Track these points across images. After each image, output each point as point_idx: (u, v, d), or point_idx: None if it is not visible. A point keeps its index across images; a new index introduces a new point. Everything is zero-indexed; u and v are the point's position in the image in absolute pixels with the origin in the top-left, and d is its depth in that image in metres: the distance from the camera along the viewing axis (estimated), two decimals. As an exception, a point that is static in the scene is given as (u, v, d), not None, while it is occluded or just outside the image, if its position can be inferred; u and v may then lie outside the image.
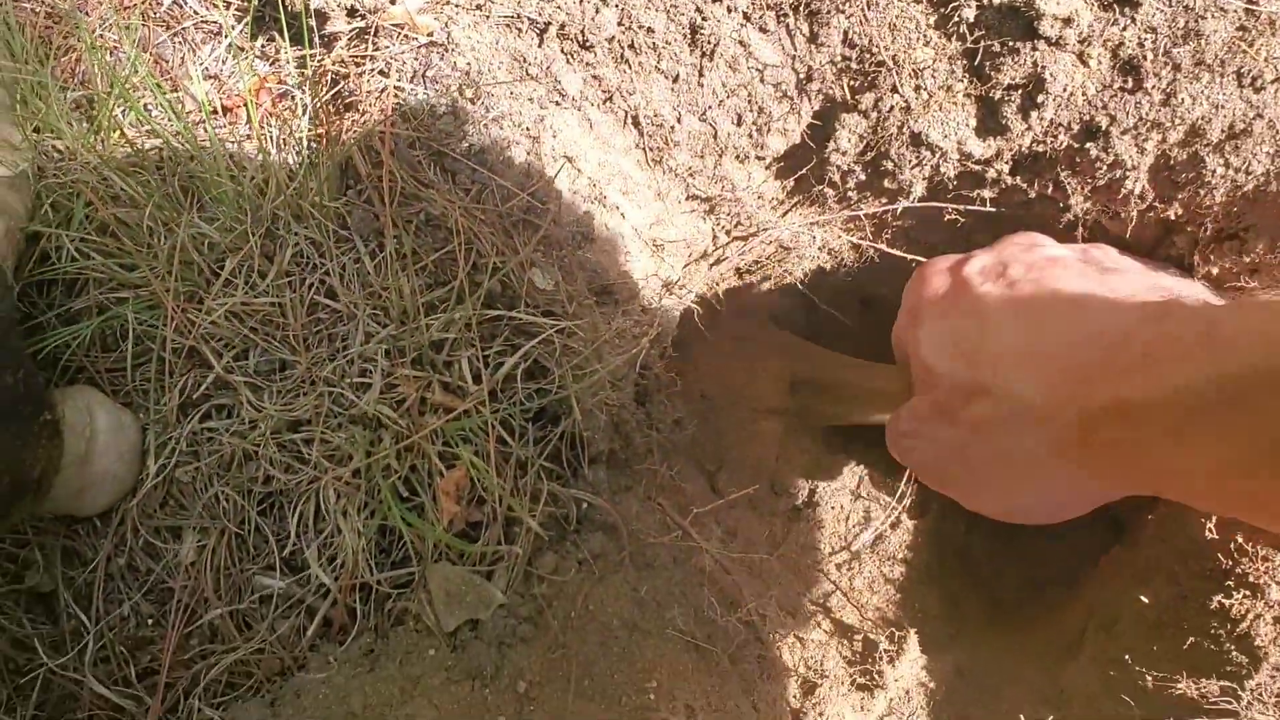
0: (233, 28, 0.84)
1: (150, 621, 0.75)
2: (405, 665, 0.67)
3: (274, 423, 0.73)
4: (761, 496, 1.07)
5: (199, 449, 0.75)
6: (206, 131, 0.79)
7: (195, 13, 0.86)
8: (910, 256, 0.93)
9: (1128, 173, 0.85)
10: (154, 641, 0.74)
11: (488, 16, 0.77)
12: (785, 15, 0.84)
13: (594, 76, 0.82)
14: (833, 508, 1.07)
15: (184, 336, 0.74)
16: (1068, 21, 0.79)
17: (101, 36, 0.83)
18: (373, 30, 0.77)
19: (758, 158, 0.93)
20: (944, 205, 0.92)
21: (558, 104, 0.81)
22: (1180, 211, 0.88)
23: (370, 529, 0.72)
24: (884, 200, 0.93)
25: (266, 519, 0.74)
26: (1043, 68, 0.80)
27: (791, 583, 0.96)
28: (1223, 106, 0.79)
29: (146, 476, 0.75)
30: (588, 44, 0.80)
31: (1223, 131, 0.80)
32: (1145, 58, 0.79)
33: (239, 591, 0.74)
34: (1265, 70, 0.77)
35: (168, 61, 0.84)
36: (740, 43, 0.84)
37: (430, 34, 0.77)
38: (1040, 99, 0.82)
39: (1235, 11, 0.76)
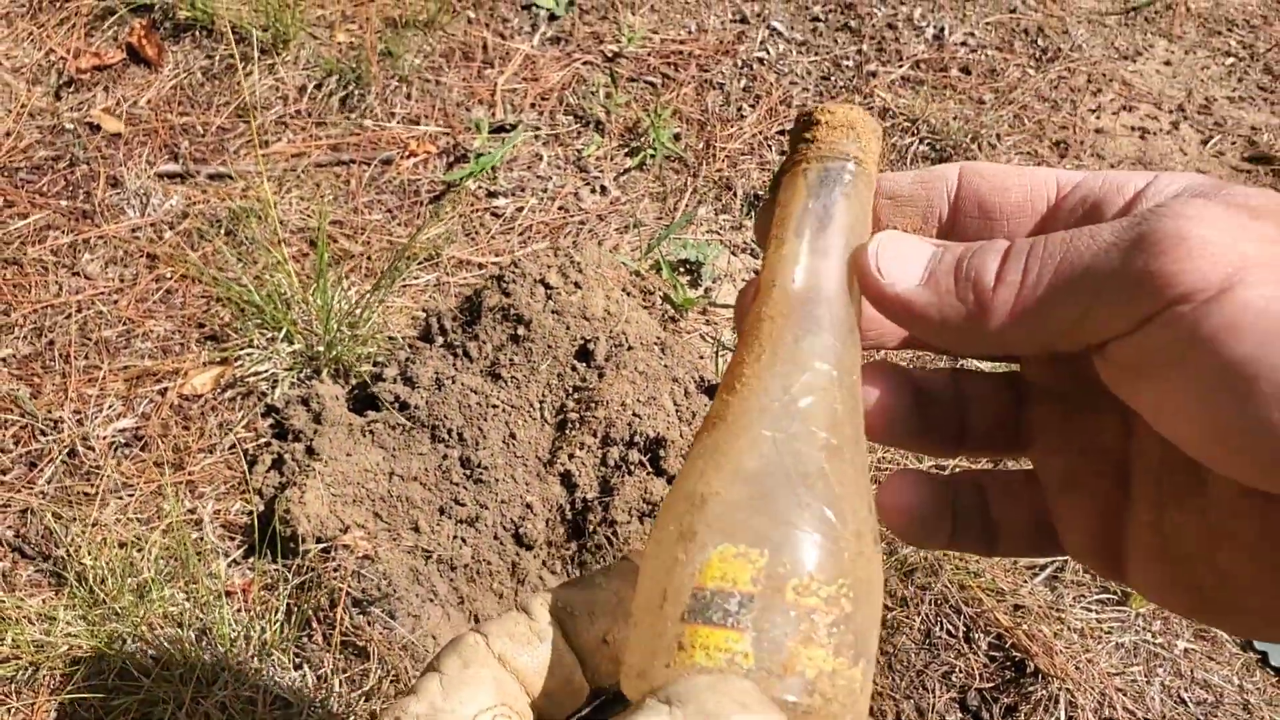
0: (238, 549, 1.42)
1: None
2: None
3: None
4: None
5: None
6: (221, 611, 1.33)
7: (214, 542, 1.44)
8: None
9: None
10: None
11: (396, 543, 1.39)
12: (568, 563, 1.48)
13: (454, 588, 1.42)
14: None
15: None
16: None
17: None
18: (333, 547, 1.37)
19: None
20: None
21: (431, 601, 1.39)
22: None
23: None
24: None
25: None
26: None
27: None
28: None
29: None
30: (453, 566, 1.41)
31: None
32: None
33: None
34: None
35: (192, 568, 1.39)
36: (540, 577, 1.46)
37: (365, 553, 1.37)
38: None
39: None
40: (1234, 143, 2.01)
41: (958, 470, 0.44)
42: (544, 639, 0.34)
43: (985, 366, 1.40)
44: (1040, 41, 2.18)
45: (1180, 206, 0.32)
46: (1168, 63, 2.17)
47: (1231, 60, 2.17)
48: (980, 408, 0.42)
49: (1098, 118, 2.05)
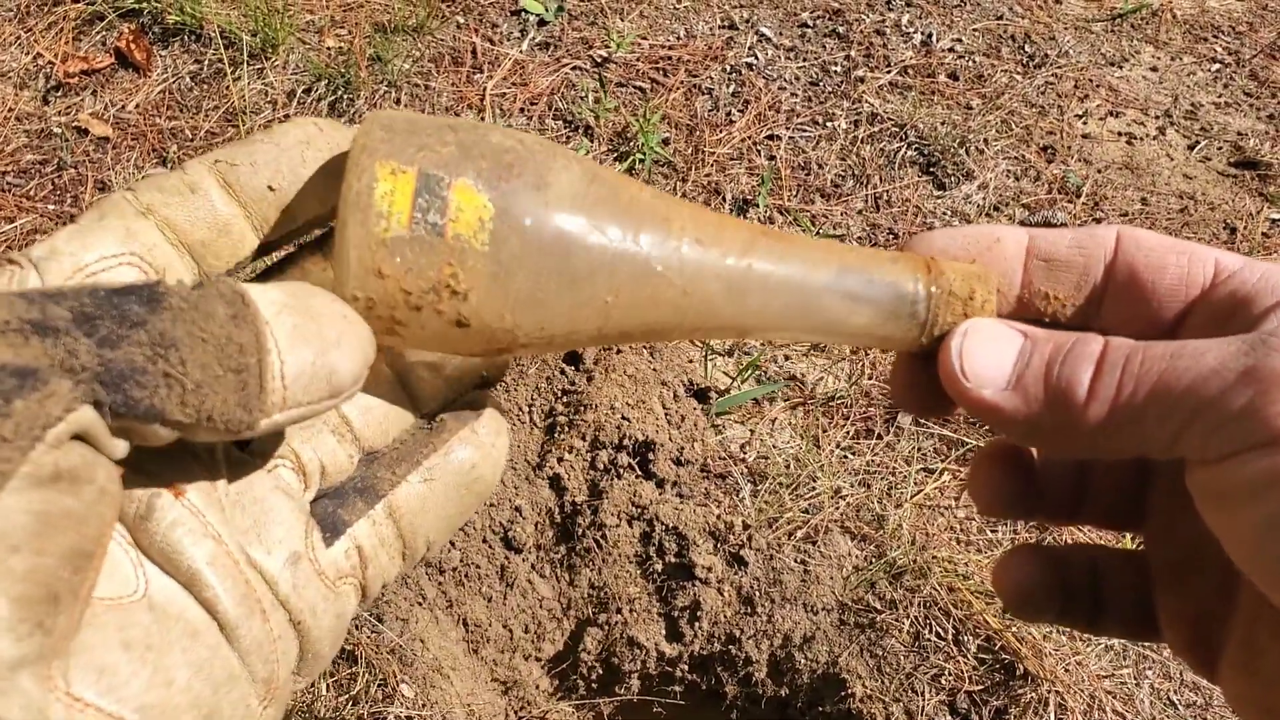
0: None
1: None
2: None
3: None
4: None
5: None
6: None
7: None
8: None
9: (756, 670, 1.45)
10: None
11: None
12: (557, 566, 1.48)
13: (442, 591, 1.41)
14: None
15: None
16: (710, 569, 1.45)
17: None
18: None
19: (536, 658, 1.49)
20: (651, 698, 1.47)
21: (419, 604, 1.38)
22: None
23: None
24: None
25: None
26: (699, 597, 1.45)
27: None
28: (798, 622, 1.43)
29: None
30: (441, 569, 1.40)
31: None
32: (756, 593, 1.45)
33: None
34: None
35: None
36: (529, 580, 1.46)
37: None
38: (699, 614, 1.45)
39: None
40: (1220, 148, 2.03)
41: (1073, 544, 0.43)
42: (197, 190, 0.33)
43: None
44: (1027, 48, 2.19)
45: None
46: (1154, 69, 2.18)
47: (1217, 66, 2.19)
48: (1102, 478, 0.41)
49: (1085, 123, 2.06)
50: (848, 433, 1.60)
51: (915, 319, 0.37)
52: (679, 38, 2.18)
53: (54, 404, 0.23)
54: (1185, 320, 0.38)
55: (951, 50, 2.19)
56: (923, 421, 1.60)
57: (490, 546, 1.44)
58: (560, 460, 1.48)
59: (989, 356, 0.35)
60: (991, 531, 1.51)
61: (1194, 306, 0.37)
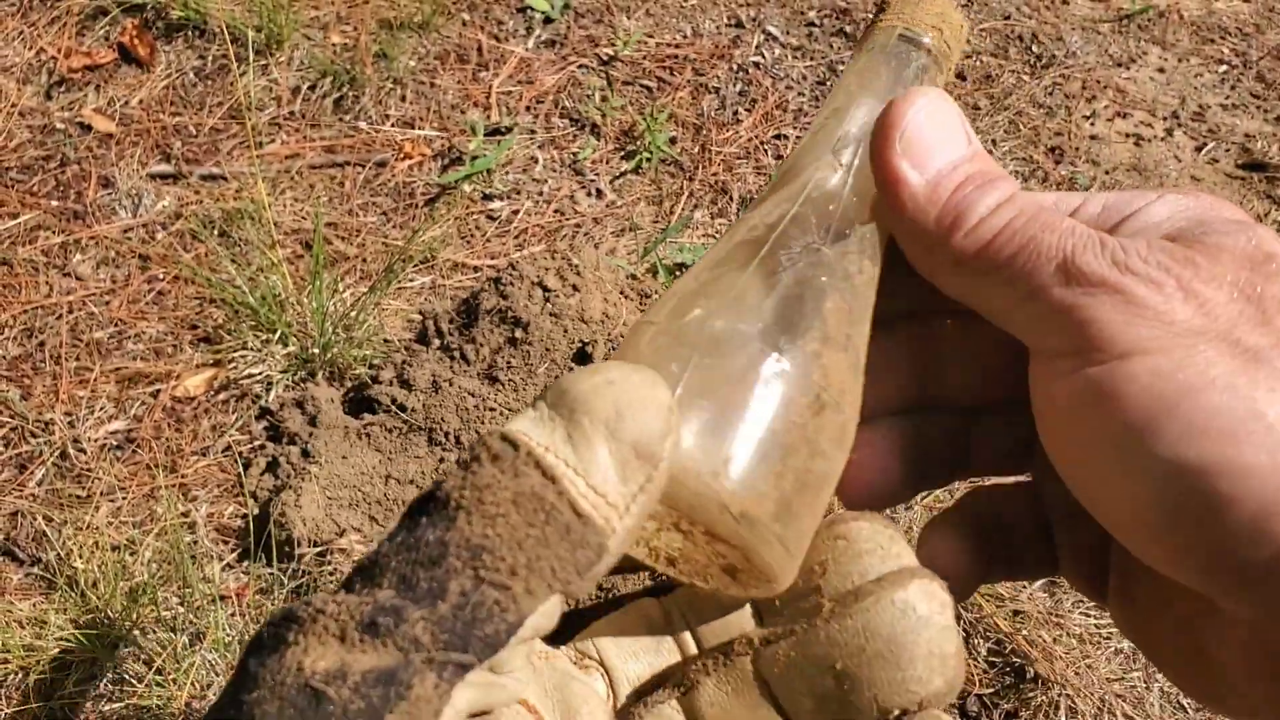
0: (231, 553, 1.41)
1: None
2: None
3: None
4: None
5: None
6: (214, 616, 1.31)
7: (207, 544, 1.42)
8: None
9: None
10: None
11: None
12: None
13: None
14: None
15: None
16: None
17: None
18: (329, 551, 1.35)
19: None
20: None
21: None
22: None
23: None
24: None
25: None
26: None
27: None
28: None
29: None
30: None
31: None
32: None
33: None
34: None
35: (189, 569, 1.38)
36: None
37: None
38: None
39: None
40: (1228, 150, 2.02)
41: (977, 495, 0.41)
42: None
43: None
44: (1035, 48, 2.18)
45: (1141, 253, 0.30)
46: (1161, 70, 2.18)
47: (1224, 68, 2.18)
48: (990, 421, 0.40)
49: (1092, 124, 2.05)
50: (856, 434, 1.59)
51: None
52: (686, 36, 2.17)
53: (424, 709, 0.22)
54: None
55: (959, 50, 2.18)
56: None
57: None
58: (569, 460, 1.48)
59: (933, 139, 0.33)
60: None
61: None
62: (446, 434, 1.45)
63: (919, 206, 0.33)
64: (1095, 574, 0.37)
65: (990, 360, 0.38)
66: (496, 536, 0.24)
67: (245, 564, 1.40)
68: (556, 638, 0.32)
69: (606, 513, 0.25)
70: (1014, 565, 0.39)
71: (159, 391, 1.59)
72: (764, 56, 2.14)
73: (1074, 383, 0.30)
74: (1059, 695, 1.34)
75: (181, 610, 1.33)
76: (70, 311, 1.68)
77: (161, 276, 1.73)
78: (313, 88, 2.01)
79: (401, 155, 1.93)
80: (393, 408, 1.48)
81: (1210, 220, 0.32)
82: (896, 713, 0.30)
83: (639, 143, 1.95)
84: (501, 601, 0.24)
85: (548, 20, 2.17)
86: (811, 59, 2.14)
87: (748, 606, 0.34)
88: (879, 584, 0.31)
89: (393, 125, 1.98)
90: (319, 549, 1.36)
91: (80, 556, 1.38)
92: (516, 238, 1.83)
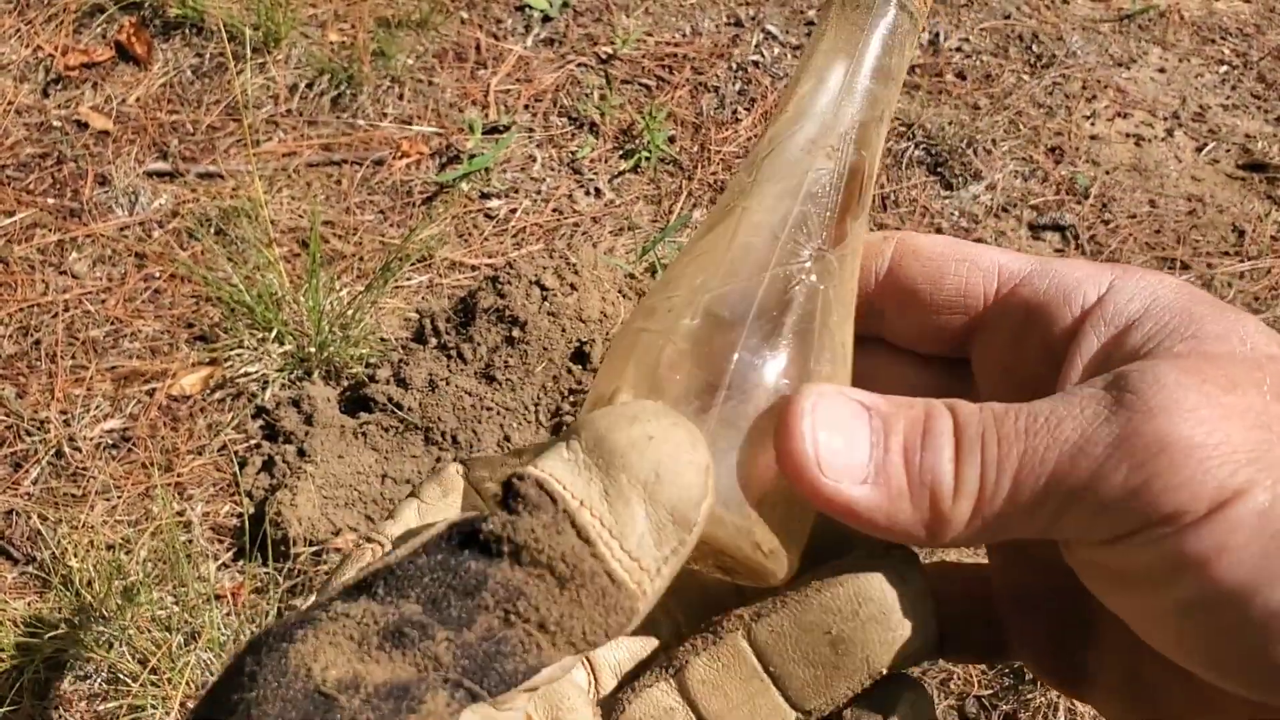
0: (226, 553, 1.40)
1: None
2: None
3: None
4: None
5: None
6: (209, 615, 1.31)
7: (204, 545, 1.42)
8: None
9: None
10: None
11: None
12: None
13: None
14: None
15: None
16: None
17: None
18: (325, 550, 1.34)
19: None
20: None
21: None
22: None
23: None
24: None
25: None
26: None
27: None
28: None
29: None
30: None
31: None
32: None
33: None
34: None
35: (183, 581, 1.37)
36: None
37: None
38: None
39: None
40: (1228, 150, 2.02)
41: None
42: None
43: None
44: (1035, 48, 2.18)
45: (1153, 392, 0.28)
46: (1162, 70, 2.17)
47: (1225, 68, 2.18)
48: None
49: (1092, 124, 2.05)
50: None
51: None
52: (685, 35, 2.16)
53: None
54: (979, 333, 0.35)
55: (959, 50, 2.18)
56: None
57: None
58: (566, 460, 1.47)
59: (840, 442, 0.29)
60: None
61: (985, 317, 0.35)
62: (443, 433, 1.45)
63: (880, 512, 0.30)
64: (1061, 665, 0.35)
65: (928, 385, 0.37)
66: (534, 588, 0.25)
67: (240, 563, 1.40)
68: None
69: (639, 577, 0.26)
70: (952, 646, 0.37)
71: (155, 390, 1.58)
72: (763, 55, 2.13)
73: (1159, 552, 0.28)
74: (1057, 697, 1.33)
75: (176, 609, 1.32)
76: (66, 310, 1.68)
77: (158, 275, 1.72)
78: (310, 86, 2.00)
79: (399, 153, 1.92)
80: (389, 407, 1.47)
81: (1188, 315, 0.30)
82: (884, 671, 0.31)
83: (638, 141, 1.95)
84: (525, 645, 0.25)
85: (546, 18, 2.17)
86: (811, 58, 2.13)
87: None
88: (865, 555, 0.32)
89: (390, 123, 1.97)
90: (314, 548, 1.35)
91: (75, 555, 1.37)
92: (514, 236, 1.82)
